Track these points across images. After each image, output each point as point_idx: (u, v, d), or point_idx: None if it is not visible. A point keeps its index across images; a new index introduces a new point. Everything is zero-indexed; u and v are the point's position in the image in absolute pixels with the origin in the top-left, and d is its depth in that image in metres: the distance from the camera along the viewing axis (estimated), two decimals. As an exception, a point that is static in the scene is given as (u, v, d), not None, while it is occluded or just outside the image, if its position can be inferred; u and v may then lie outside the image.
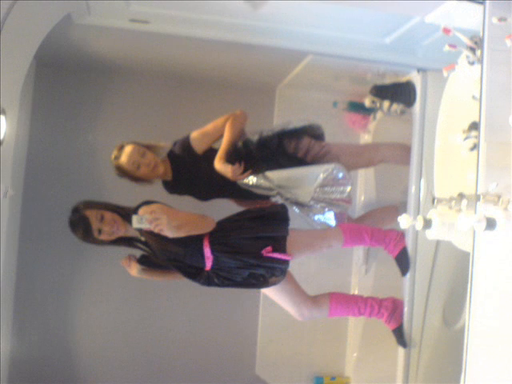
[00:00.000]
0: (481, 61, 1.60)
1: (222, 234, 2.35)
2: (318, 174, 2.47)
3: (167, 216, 2.15)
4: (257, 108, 3.17)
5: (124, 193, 2.55)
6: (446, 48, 1.87)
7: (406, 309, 2.49)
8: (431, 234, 1.62)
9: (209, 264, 2.34)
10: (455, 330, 2.33)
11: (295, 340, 3.28)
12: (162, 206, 2.26)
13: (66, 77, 3.04)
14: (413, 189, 2.52)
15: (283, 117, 3.18)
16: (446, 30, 1.83)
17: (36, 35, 2.01)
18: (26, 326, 2.96)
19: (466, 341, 1.49)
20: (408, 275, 2.47)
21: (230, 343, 3.24)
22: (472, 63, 1.84)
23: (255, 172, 2.52)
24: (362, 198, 3.28)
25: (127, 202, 2.39)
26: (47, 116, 3.01)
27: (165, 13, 2.28)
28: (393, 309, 2.52)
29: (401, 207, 2.80)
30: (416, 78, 2.57)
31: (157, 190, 2.64)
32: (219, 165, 2.48)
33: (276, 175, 2.52)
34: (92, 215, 2.27)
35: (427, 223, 1.59)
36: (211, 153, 2.55)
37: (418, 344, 2.46)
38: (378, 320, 2.58)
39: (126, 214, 2.32)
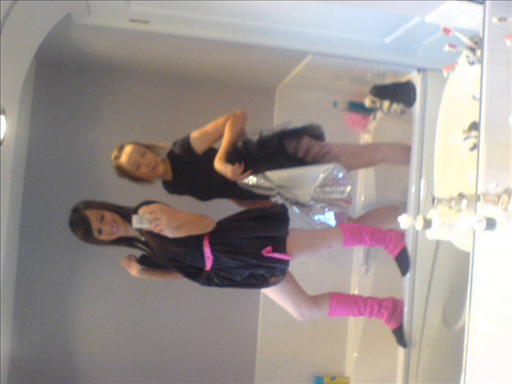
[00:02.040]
0: (481, 61, 1.60)
1: (222, 233, 2.35)
2: (318, 174, 2.47)
3: (167, 216, 2.15)
4: (257, 108, 3.17)
5: (124, 193, 2.54)
6: (446, 48, 1.87)
7: (405, 309, 2.49)
8: (431, 234, 1.62)
9: (209, 264, 2.34)
10: (455, 330, 2.33)
11: (295, 340, 3.28)
12: (162, 206, 2.26)
13: (66, 77, 3.04)
14: (413, 189, 2.52)
15: (283, 117, 3.18)
16: (446, 30, 1.83)
17: (36, 35, 2.01)
18: (26, 326, 2.96)
19: (466, 341, 1.49)
20: (408, 275, 2.47)
21: (229, 343, 3.24)
22: (472, 63, 1.85)
23: (255, 172, 2.52)
24: (362, 198, 3.28)
25: (127, 201, 2.39)
26: (47, 116, 3.00)
27: (165, 13, 2.28)
28: (393, 309, 2.52)
29: (401, 207, 2.80)
30: (416, 78, 2.57)
31: (157, 190, 2.64)
32: (219, 165, 2.48)
33: (276, 175, 2.52)
34: (92, 215, 2.27)
35: (427, 223, 1.59)
36: (211, 153, 2.55)
37: (417, 344, 2.46)
38: (378, 320, 2.58)
39: (126, 214, 2.32)
